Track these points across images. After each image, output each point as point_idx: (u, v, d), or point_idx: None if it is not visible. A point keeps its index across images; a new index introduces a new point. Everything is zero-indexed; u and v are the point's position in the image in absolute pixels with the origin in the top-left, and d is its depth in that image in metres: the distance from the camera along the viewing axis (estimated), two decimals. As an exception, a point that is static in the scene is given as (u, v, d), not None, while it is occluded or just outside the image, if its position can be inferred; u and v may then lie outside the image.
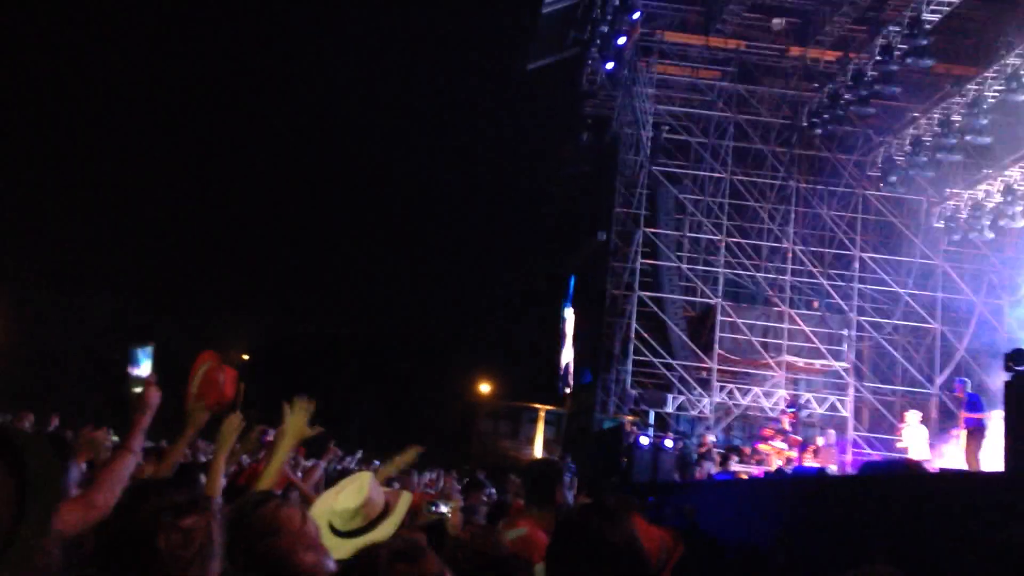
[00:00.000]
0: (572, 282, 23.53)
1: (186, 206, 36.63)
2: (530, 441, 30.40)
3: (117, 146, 35.29)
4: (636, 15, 19.77)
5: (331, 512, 2.93)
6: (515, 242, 32.93)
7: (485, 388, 34.96)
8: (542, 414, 30.17)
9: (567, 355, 24.08)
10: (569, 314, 24.79)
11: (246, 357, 32.84)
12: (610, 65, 21.33)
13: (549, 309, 28.15)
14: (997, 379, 12.07)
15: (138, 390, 2.96)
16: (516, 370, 32.28)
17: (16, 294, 30.39)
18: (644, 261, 20.00)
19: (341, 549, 2.76)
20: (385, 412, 32.55)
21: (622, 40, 20.46)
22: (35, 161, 34.15)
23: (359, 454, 16.81)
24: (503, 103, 30.84)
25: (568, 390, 25.19)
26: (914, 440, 13.90)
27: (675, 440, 18.05)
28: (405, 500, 3.11)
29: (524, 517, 3.97)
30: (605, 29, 20.65)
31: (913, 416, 14.28)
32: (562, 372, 24.89)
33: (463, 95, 34.41)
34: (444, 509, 4.11)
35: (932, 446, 13.95)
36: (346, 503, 2.92)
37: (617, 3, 19.75)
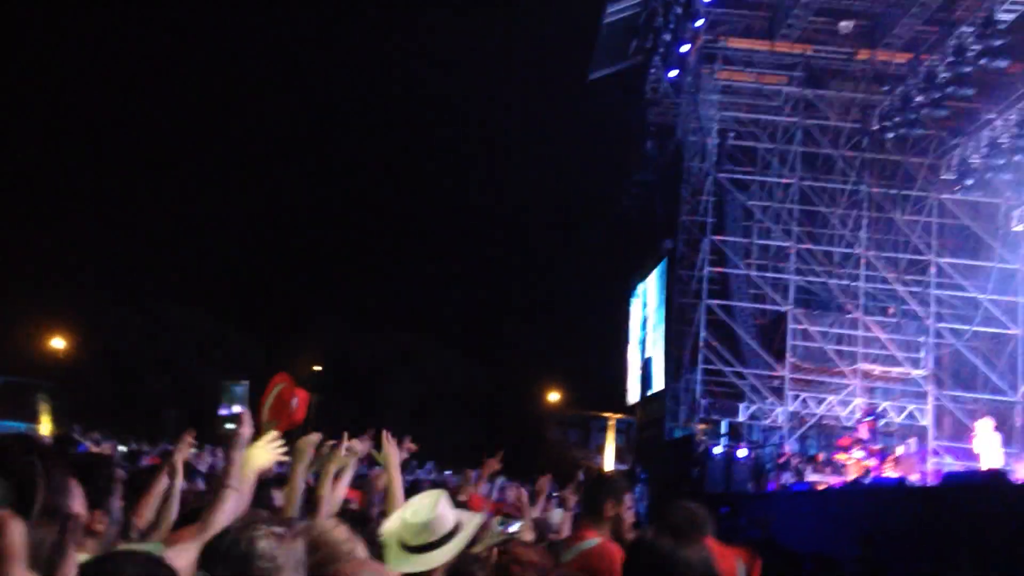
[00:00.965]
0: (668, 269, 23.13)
1: (258, 216, 37.48)
2: (600, 450, 30.36)
3: (187, 160, 36.32)
4: (699, 22, 19.69)
5: (402, 526, 3.02)
6: (583, 251, 32.95)
7: (554, 396, 35.04)
8: (612, 423, 30.12)
9: (651, 351, 23.87)
10: (645, 310, 24.66)
11: (319, 368, 33.49)
12: (674, 73, 21.26)
13: (617, 316, 28.14)
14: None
15: (231, 426, 3.05)
16: (585, 378, 32.30)
17: (92, 308, 31.37)
18: (712, 269, 19.90)
19: (408, 564, 2.93)
20: (454, 422, 32.80)
21: (685, 47, 20.40)
22: (110, 177, 35.32)
23: (429, 466, 16.98)
24: (568, 112, 30.93)
25: (638, 398, 25.14)
26: (987, 448, 13.63)
27: (749, 450, 17.93)
28: (476, 520, 3.22)
29: (586, 528, 3.99)
30: (668, 37, 20.60)
31: (984, 424, 14.01)
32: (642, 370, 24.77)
33: (529, 106, 34.61)
34: (515, 527, 4.20)
35: (1015, 455, 13.63)
36: (416, 518, 3.01)
37: (680, 11, 19.70)
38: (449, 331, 36.57)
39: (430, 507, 3.05)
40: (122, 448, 13.40)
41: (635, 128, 24.58)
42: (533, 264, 36.14)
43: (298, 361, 32.93)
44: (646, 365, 24.33)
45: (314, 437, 3.50)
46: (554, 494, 8.56)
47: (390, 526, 3.07)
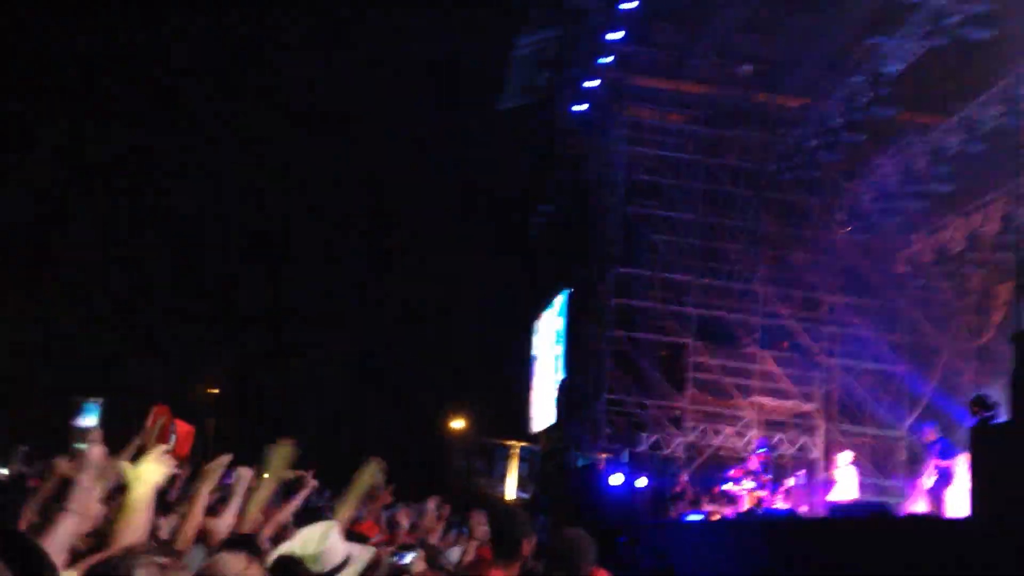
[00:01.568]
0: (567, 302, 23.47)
1: (155, 235, 36.41)
2: (503, 478, 30.37)
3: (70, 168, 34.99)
4: (607, 59, 20.17)
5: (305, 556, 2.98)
6: (489, 279, 33.06)
7: (458, 424, 34.92)
8: (516, 451, 30.18)
9: (556, 379, 24.14)
10: (551, 339, 24.92)
11: (216, 391, 32.64)
12: (582, 107, 21.70)
13: (522, 344, 28.31)
14: (964, 423, 12.36)
15: (81, 446, 2.91)
16: (490, 406, 32.30)
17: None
18: (617, 300, 20.23)
19: None
20: (355, 449, 32.30)
21: (593, 83, 20.86)
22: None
23: (327, 494, 16.67)
24: (477, 142, 31.12)
25: (542, 427, 25.30)
26: (844, 480, 14.39)
27: (648, 479, 18.23)
28: (366, 553, 3.19)
29: (491, 567, 3.93)
30: (577, 72, 21.04)
31: (844, 457, 14.82)
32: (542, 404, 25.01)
33: (436, 133, 34.68)
34: (408, 559, 4.16)
35: (904, 488, 14.28)
36: (305, 550, 2.97)
37: (588, 47, 20.16)
38: (352, 358, 36.15)
39: (320, 539, 3.01)
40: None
41: (544, 160, 24.93)
42: (438, 291, 36.06)
43: (196, 384, 32.11)
44: (550, 393, 24.52)
45: (224, 459, 3.44)
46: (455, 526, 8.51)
47: (280, 552, 3.02)
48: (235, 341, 35.38)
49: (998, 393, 10.32)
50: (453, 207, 35.72)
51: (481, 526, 5.97)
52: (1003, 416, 9.52)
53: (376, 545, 4.15)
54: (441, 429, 34.77)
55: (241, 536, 3.45)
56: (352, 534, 4.02)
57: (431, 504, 6.85)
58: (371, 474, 4.75)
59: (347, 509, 4.41)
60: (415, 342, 37.06)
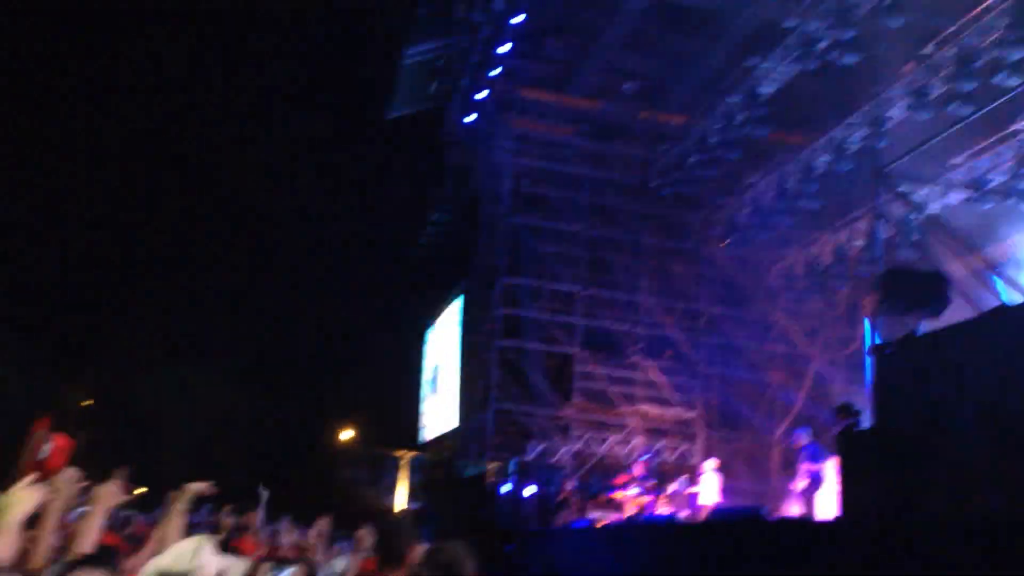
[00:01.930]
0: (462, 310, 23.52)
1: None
2: (393, 488, 30.17)
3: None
4: (495, 71, 20.36)
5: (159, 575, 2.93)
6: (378, 289, 32.83)
7: (347, 434, 34.50)
8: (405, 461, 30.04)
9: (446, 389, 24.16)
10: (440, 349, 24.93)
11: (89, 403, 31.30)
12: (471, 118, 21.84)
13: (411, 354, 28.24)
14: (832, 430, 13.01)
15: None
16: (379, 416, 32.04)
17: None
18: (505, 310, 20.44)
19: None
20: (238, 461, 31.54)
21: (482, 94, 21.02)
22: None
23: (205, 509, 16.23)
24: (367, 151, 30.91)
25: (432, 436, 25.30)
26: (708, 486, 15.05)
27: (536, 487, 18.45)
28: (239, 567, 3.16)
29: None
30: (466, 82, 21.17)
31: (709, 464, 15.50)
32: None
33: (325, 142, 34.27)
34: (287, 573, 4.09)
35: (778, 493, 14.92)
36: (176, 567, 2.91)
37: (477, 58, 20.32)
38: (235, 367, 35.25)
39: (191, 555, 2.96)
40: None
41: (434, 170, 24.97)
42: (326, 300, 35.55)
43: (67, 396, 30.68)
44: (439, 403, 24.54)
45: (71, 474, 3.34)
46: (339, 539, 8.44)
47: (148, 570, 2.97)
48: (109, 352, 34.02)
49: (863, 400, 10.93)
50: (342, 215, 35.33)
51: (367, 539, 5.97)
52: (866, 422, 10.06)
53: (257, 560, 4.11)
54: (328, 440, 34.29)
55: (100, 552, 3.38)
56: (229, 548, 3.97)
57: (321, 522, 6.82)
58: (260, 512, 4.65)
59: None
60: (303, 352, 36.46)
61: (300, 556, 5.80)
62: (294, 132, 34.09)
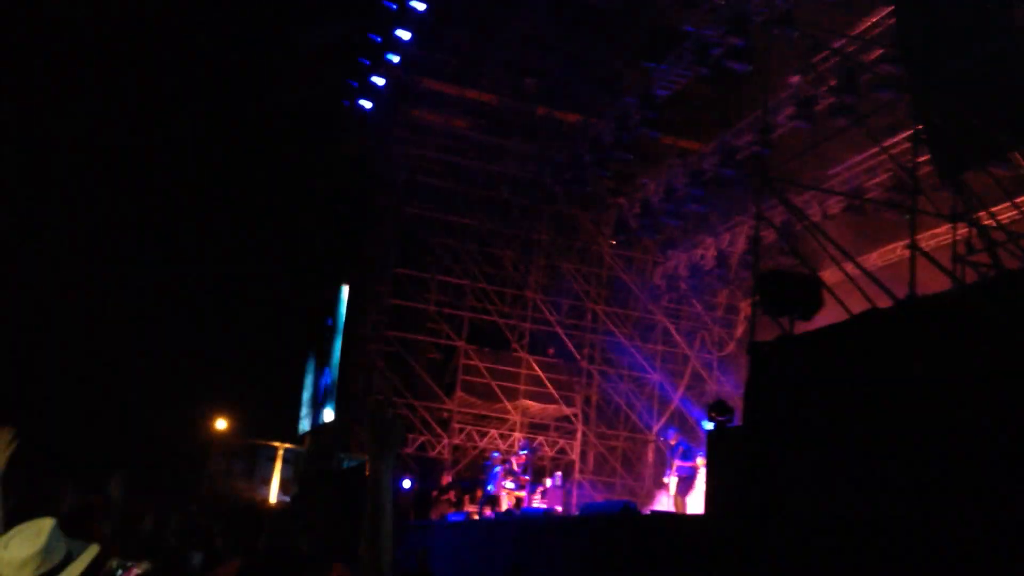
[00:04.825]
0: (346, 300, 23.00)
1: None
2: (267, 482, 29.34)
3: None
4: (395, 59, 20.05)
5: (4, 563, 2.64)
6: (259, 275, 31.88)
7: (220, 424, 33.40)
8: (280, 452, 29.25)
9: (325, 380, 23.61)
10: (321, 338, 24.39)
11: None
12: (367, 105, 21.44)
13: (291, 343, 27.52)
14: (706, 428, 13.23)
15: None
16: (255, 406, 31.11)
17: None
18: (393, 301, 20.13)
19: None
20: (99, 442, 30.13)
21: (380, 81, 20.66)
22: None
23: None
24: (258, 132, 29.98)
25: (308, 428, 24.72)
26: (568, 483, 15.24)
27: (412, 481, 18.24)
28: (90, 551, 2.90)
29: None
30: (364, 68, 20.76)
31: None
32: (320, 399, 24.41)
33: (215, 122, 33.08)
34: (138, 570, 3.84)
35: (651, 490, 15.15)
36: (18, 552, 2.65)
37: (377, 45, 19.95)
38: (107, 351, 33.68)
39: (35, 536, 2.68)
40: None
41: (325, 154, 24.38)
42: (204, 287, 34.35)
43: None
44: (318, 394, 24.00)
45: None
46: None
47: None
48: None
49: (735, 400, 11.12)
50: (228, 199, 34.20)
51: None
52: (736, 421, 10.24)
53: (106, 546, 3.79)
54: (202, 430, 33.12)
55: None
56: (75, 531, 3.65)
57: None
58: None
59: None
60: (177, 338, 35.12)
61: (152, 545, 5.44)
62: (179, 117, 32.82)
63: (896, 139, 13.38)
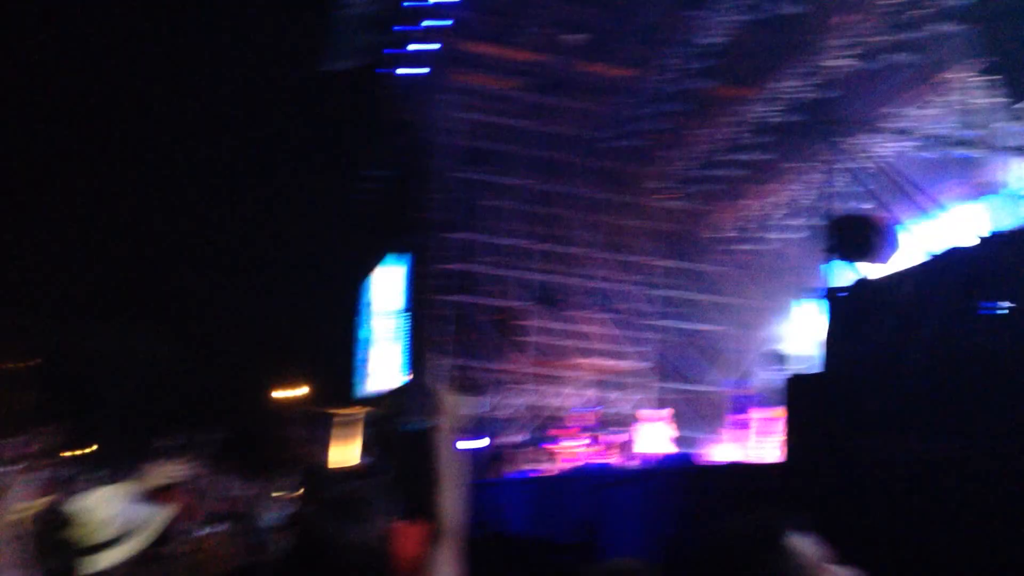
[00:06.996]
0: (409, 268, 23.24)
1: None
2: (348, 445, 30.05)
3: None
4: (441, 23, 20.03)
5: (76, 525, 2.77)
6: (315, 245, 32.42)
7: (296, 392, 34.23)
8: (342, 418, 29.87)
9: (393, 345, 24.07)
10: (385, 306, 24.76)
11: (38, 361, 30.58)
12: (416, 71, 21.46)
13: (355, 311, 28.00)
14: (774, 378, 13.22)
15: None
16: (327, 374, 31.84)
17: None
18: (456, 265, 20.32)
19: (83, 565, 2.69)
20: (173, 420, 31.12)
21: (428, 47, 20.67)
22: None
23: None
24: (309, 106, 30.27)
25: (382, 391, 25.24)
26: (647, 435, 15.29)
27: (488, 441, 18.55)
28: (167, 513, 2.99)
29: None
30: (408, 35, 20.77)
31: (649, 413, 16.05)
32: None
33: (260, 96, 33.48)
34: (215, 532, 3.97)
35: (722, 441, 15.20)
36: (102, 512, 2.79)
37: (419, 9, 19.94)
38: (173, 326, 34.66)
39: (117, 499, 2.86)
40: None
41: (375, 124, 24.48)
42: (263, 259, 35.04)
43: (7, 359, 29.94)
44: (389, 359, 24.47)
45: None
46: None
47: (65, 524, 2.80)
48: (49, 310, 33.13)
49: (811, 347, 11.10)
50: (280, 171, 34.73)
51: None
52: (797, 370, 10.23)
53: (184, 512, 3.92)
54: (271, 398, 34.01)
55: None
56: (158, 495, 3.78)
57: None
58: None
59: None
60: (242, 312, 35.97)
61: (232, 510, 5.66)
62: (231, 87, 33.30)
63: (959, 75, 13.02)
